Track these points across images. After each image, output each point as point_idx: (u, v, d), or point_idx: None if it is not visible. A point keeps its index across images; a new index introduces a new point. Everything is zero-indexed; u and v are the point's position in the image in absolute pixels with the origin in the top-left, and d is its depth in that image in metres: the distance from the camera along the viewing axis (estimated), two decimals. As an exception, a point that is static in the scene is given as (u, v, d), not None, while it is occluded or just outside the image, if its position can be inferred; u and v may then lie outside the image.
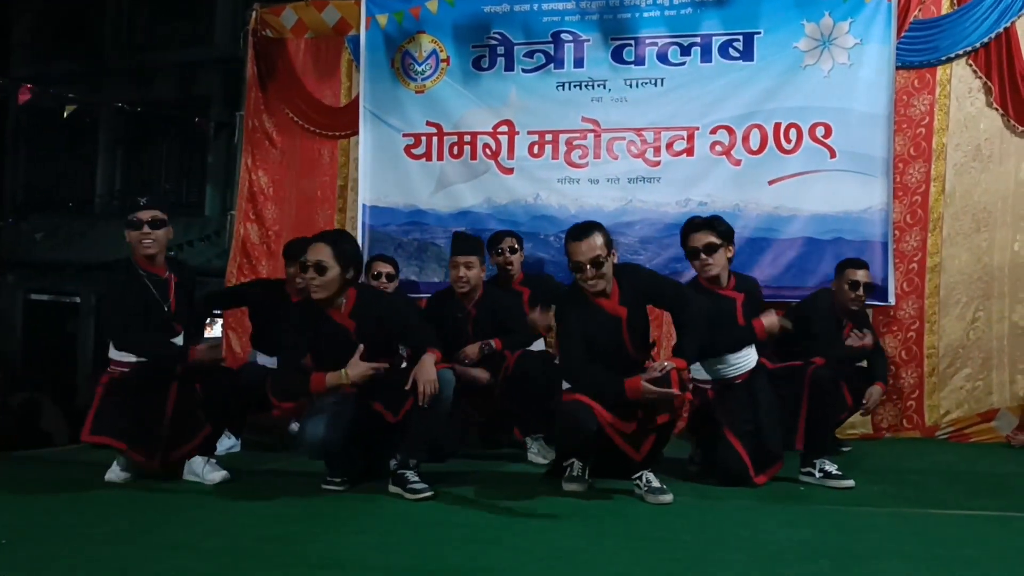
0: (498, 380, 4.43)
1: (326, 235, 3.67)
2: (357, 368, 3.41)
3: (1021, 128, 5.23)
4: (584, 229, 3.51)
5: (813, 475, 3.73)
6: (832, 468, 3.72)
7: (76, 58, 12.88)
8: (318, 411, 3.49)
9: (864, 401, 4.50)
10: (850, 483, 3.65)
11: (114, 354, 3.78)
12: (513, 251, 4.97)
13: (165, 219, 3.81)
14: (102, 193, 13.09)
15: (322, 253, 3.46)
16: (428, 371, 3.35)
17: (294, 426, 4.83)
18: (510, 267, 4.96)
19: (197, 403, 3.82)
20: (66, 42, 13.23)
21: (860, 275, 4.50)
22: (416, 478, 3.40)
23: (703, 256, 3.87)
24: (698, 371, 3.88)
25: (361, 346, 3.44)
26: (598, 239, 3.46)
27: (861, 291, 4.49)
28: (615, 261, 3.57)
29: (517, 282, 4.99)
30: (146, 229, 3.74)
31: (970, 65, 5.32)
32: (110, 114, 12.01)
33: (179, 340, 3.84)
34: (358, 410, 3.50)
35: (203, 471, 3.70)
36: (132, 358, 3.75)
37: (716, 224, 3.94)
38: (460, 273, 4.55)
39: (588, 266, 3.44)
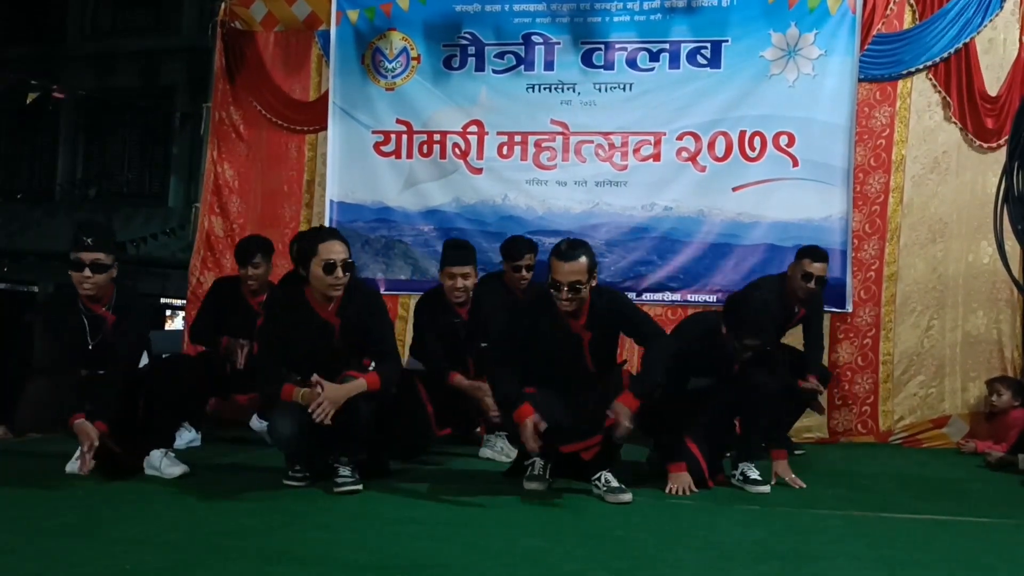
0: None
1: (336, 232, 3.63)
2: (333, 391, 3.32)
3: (978, 142, 5.36)
4: (572, 249, 3.44)
5: (735, 476, 3.79)
6: (753, 474, 3.74)
7: (37, 42, 12.61)
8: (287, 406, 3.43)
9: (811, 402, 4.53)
10: (766, 489, 3.67)
11: None
12: (530, 270, 4.78)
13: (108, 263, 3.55)
14: (62, 182, 12.85)
15: (348, 251, 3.46)
16: (337, 393, 3.29)
17: (254, 422, 4.80)
18: (523, 283, 4.77)
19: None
20: (26, 25, 12.96)
21: (816, 268, 4.58)
22: (347, 472, 3.42)
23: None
24: None
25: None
26: (583, 263, 3.42)
27: (814, 284, 4.58)
28: (594, 284, 3.53)
29: (520, 292, 4.81)
30: (87, 272, 3.52)
31: (930, 79, 5.43)
32: (72, 101, 11.78)
33: None
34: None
35: (162, 464, 3.65)
36: None
37: None
38: (457, 284, 4.32)
39: (566, 288, 3.42)
